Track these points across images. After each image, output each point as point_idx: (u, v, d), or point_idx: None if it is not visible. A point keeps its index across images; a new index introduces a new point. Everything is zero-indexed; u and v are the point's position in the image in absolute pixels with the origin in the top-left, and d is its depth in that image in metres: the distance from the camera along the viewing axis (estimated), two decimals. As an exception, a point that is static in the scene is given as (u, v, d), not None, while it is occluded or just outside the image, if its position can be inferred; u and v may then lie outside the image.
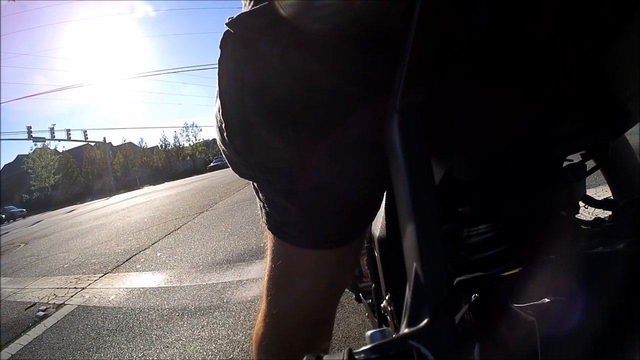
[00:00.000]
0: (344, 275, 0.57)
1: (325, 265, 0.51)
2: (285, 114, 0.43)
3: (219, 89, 0.47)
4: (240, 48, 0.44)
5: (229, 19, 0.45)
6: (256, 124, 0.44)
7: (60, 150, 51.00)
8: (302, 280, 0.52)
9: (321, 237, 0.48)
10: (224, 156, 0.52)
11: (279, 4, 0.39)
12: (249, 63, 0.44)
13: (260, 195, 0.52)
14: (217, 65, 0.47)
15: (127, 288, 2.99)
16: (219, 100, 0.48)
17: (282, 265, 0.51)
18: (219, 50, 0.46)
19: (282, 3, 0.39)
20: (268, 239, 0.53)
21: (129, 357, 1.79)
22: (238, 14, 0.44)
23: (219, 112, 0.48)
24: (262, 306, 0.57)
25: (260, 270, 2.49)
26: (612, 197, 0.61)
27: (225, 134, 0.48)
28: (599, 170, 0.54)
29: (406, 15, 0.28)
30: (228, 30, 0.45)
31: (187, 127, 52.90)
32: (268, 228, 0.52)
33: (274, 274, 0.53)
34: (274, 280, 0.53)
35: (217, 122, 0.49)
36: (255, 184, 0.53)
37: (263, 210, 0.52)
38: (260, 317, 0.57)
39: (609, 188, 0.63)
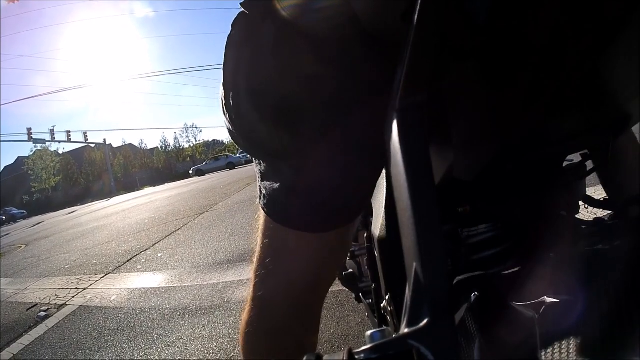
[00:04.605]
0: (330, 261, 0.57)
1: (308, 246, 0.51)
2: (277, 109, 0.44)
3: (224, 63, 0.49)
4: (243, 35, 0.46)
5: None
6: (248, 114, 0.46)
7: (61, 152, 51.00)
8: (286, 260, 0.53)
9: (304, 220, 0.49)
10: (224, 122, 0.54)
11: (280, 6, 0.39)
12: (246, 57, 0.45)
13: (256, 169, 0.54)
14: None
15: (128, 288, 2.99)
16: (223, 74, 0.49)
17: (269, 243, 0.53)
18: (230, 28, 0.48)
19: (283, 5, 0.39)
20: (260, 218, 0.55)
21: (130, 356, 1.79)
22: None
23: (222, 84, 0.50)
24: (249, 293, 0.57)
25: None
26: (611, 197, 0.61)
27: (224, 104, 0.50)
28: (598, 169, 0.54)
29: (406, 15, 0.28)
30: (242, 11, 0.46)
31: (187, 129, 52.97)
32: (261, 206, 0.54)
33: (261, 255, 0.54)
34: (261, 262, 0.54)
35: (220, 91, 0.51)
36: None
37: (259, 187, 0.54)
38: (246, 305, 0.58)
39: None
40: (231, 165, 26.69)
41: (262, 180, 0.53)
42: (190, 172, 30.88)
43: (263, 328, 0.55)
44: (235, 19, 0.48)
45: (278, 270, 0.53)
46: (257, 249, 0.55)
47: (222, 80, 0.50)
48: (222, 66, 0.49)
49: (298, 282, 0.54)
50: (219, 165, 28.43)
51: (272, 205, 0.51)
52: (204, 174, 26.85)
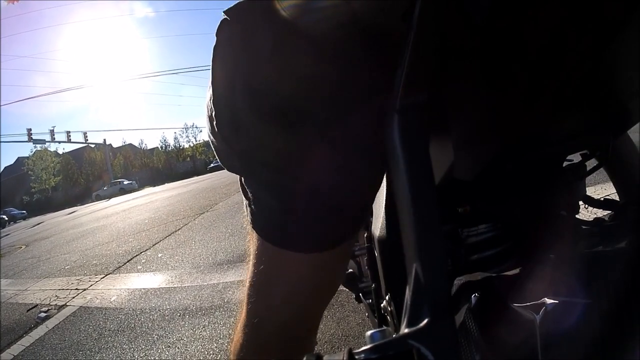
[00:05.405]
0: (329, 281, 0.54)
1: (309, 269, 0.48)
2: (276, 109, 0.42)
3: (212, 78, 0.46)
4: (237, 39, 0.44)
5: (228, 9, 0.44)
6: (245, 116, 0.44)
7: (61, 152, 50.94)
8: (284, 284, 0.49)
9: (306, 239, 0.46)
10: (212, 147, 0.51)
11: (280, 6, 0.39)
12: (244, 57, 0.43)
13: (247, 192, 0.51)
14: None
15: (128, 289, 2.99)
16: (211, 89, 0.47)
17: (264, 270, 0.49)
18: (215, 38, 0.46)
19: (283, 5, 0.39)
20: (252, 243, 0.51)
21: (130, 357, 1.79)
22: (236, 2, 0.44)
23: (210, 100, 0.47)
24: (242, 316, 0.53)
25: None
26: (612, 197, 0.61)
27: (214, 123, 0.47)
28: (598, 169, 0.54)
29: (406, 15, 0.28)
30: (225, 18, 0.44)
31: (186, 128, 52.89)
32: (253, 227, 0.50)
33: (255, 279, 0.50)
34: (255, 286, 0.50)
35: (208, 110, 0.48)
36: (242, 180, 0.52)
37: (248, 209, 0.51)
38: (239, 327, 0.54)
39: (607, 187, 0.63)
40: (122, 191, 34.01)
41: (254, 204, 0.49)
42: (93, 196, 38.17)
43: (256, 355, 0.52)
44: (219, 27, 0.45)
45: (270, 294, 0.50)
46: (249, 273, 0.51)
47: (210, 97, 0.46)
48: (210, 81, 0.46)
49: (289, 306, 0.50)
50: (114, 190, 35.58)
51: (269, 227, 0.48)
52: (102, 199, 32.60)
